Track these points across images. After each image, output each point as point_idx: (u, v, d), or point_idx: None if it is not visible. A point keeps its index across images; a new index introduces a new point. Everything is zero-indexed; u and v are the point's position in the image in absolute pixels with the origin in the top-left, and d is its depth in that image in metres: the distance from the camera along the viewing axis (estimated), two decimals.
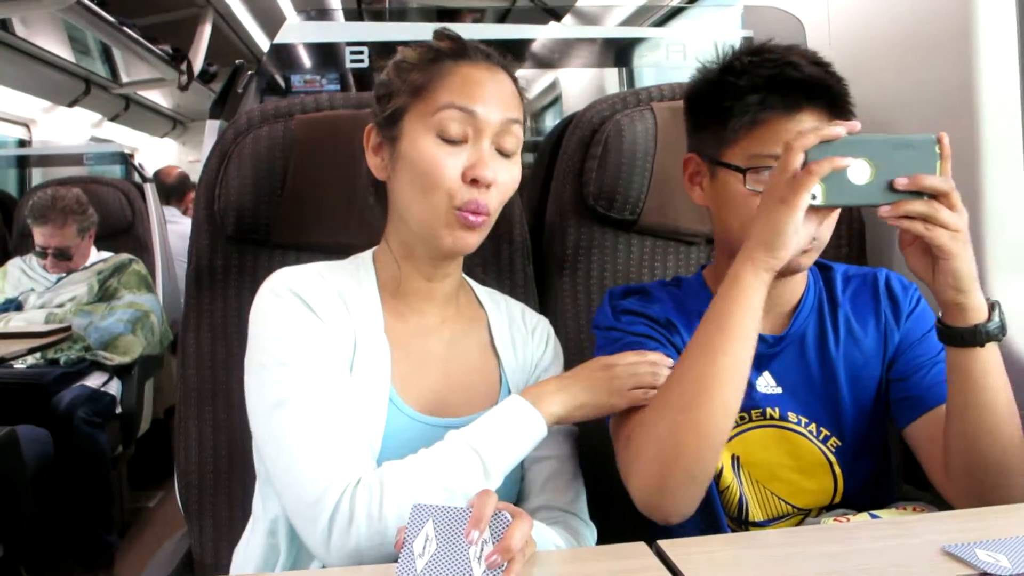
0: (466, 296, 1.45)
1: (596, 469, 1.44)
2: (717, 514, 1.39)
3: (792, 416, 1.39)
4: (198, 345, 1.63)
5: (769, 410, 1.38)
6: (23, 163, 6.18)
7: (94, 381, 3.56)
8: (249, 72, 2.80)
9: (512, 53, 2.61)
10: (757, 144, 1.30)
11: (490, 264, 1.72)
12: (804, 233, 1.16)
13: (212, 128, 2.76)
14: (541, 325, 1.49)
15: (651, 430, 1.20)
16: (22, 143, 6.31)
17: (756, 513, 1.40)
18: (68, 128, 6.67)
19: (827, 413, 1.39)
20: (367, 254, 1.39)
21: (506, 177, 1.27)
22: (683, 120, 1.63)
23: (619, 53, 2.56)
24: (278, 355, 1.20)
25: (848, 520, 1.28)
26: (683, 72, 2.59)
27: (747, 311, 1.16)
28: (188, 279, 1.68)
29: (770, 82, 1.30)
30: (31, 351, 3.19)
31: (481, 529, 0.92)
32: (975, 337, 1.18)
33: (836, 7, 2.05)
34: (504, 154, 1.27)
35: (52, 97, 6.27)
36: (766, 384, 1.40)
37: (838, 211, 1.28)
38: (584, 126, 1.77)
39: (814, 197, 1.13)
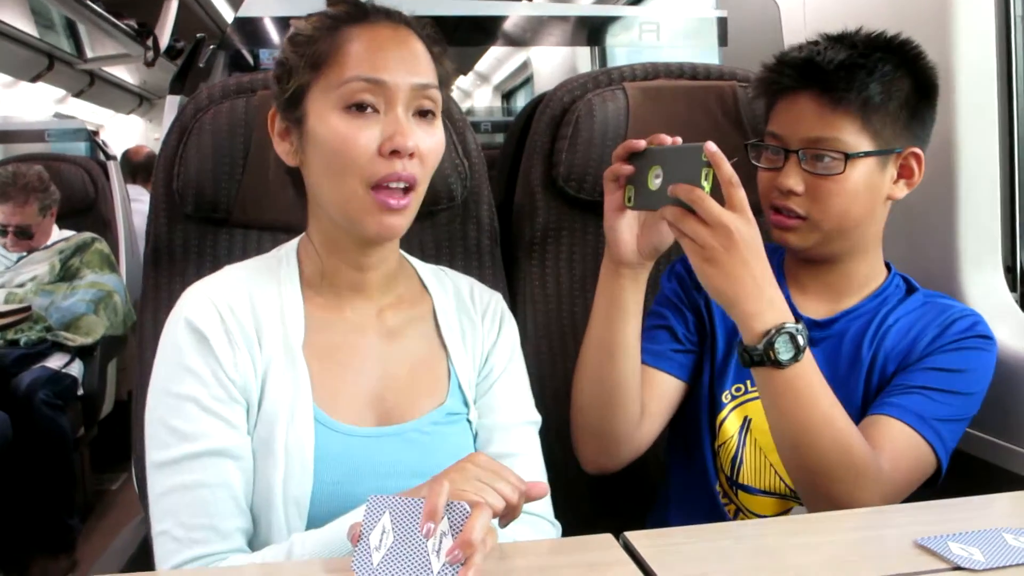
0: (407, 280, 1.34)
1: (562, 460, 1.42)
2: (708, 471, 1.45)
3: None
4: (156, 327, 1.58)
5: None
6: None
7: (55, 362, 3.50)
8: (211, 47, 2.75)
9: (483, 30, 2.58)
10: (768, 122, 1.44)
11: (457, 246, 1.68)
12: (627, 231, 1.29)
13: (172, 104, 2.70)
14: (493, 304, 1.38)
15: (572, 387, 1.42)
16: None
17: (748, 477, 1.43)
18: (31, 104, 6.56)
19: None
20: (291, 245, 1.30)
21: (429, 143, 1.16)
22: (655, 101, 1.63)
23: (592, 32, 2.52)
24: (167, 410, 1.13)
25: None
26: (656, 52, 2.57)
27: (601, 297, 1.34)
28: (146, 259, 1.63)
29: (780, 64, 1.41)
30: None
31: (436, 521, 0.88)
32: (741, 357, 1.24)
33: None
34: (423, 120, 1.17)
35: (13, 72, 6.17)
36: None
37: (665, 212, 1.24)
38: (554, 105, 1.74)
39: (630, 200, 1.28)
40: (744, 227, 1.16)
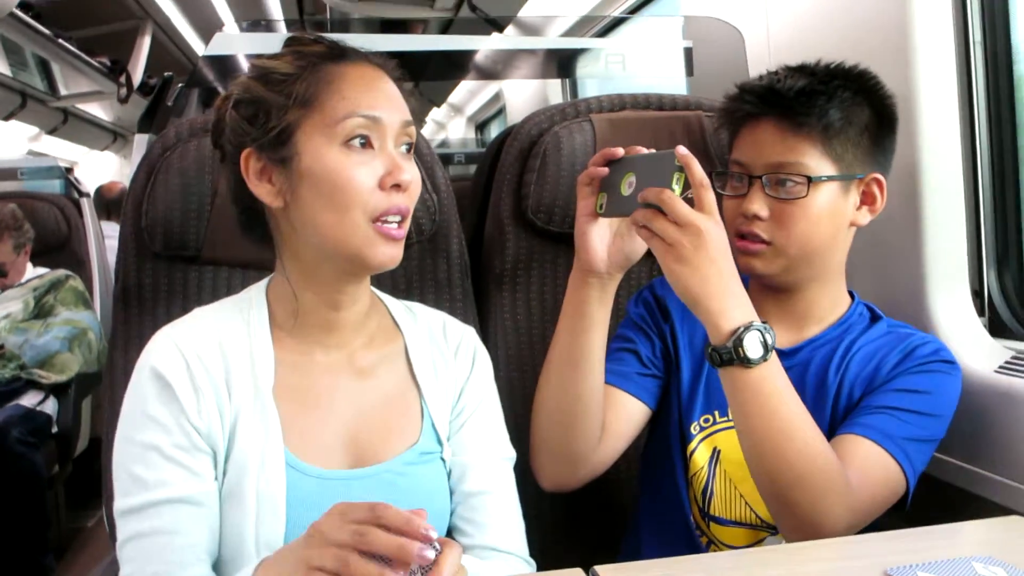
0: (379, 319, 1.31)
1: (535, 494, 1.41)
2: (681, 502, 1.45)
3: None
4: (126, 366, 1.58)
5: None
6: None
7: (29, 400, 3.45)
8: (180, 85, 2.74)
9: (456, 64, 2.59)
10: (731, 150, 1.45)
11: (428, 280, 1.69)
12: (597, 240, 1.30)
13: (141, 143, 2.69)
14: (465, 340, 1.36)
15: (534, 403, 1.41)
16: None
17: (719, 509, 1.42)
18: (4, 142, 6.54)
19: None
20: (259, 287, 1.28)
21: (416, 176, 1.18)
22: (622, 132, 1.64)
23: (561, 64, 2.54)
24: (130, 458, 1.12)
25: None
26: (628, 82, 2.59)
27: (568, 307, 1.35)
28: (115, 298, 1.63)
29: (741, 93, 1.43)
30: None
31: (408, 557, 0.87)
32: (710, 357, 1.24)
33: (776, 18, 2.04)
34: (407, 154, 1.20)
35: None
36: None
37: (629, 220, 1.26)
38: (522, 138, 1.74)
39: (601, 207, 1.29)
40: (713, 227, 1.18)
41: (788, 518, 1.25)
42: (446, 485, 1.26)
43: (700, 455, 1.44)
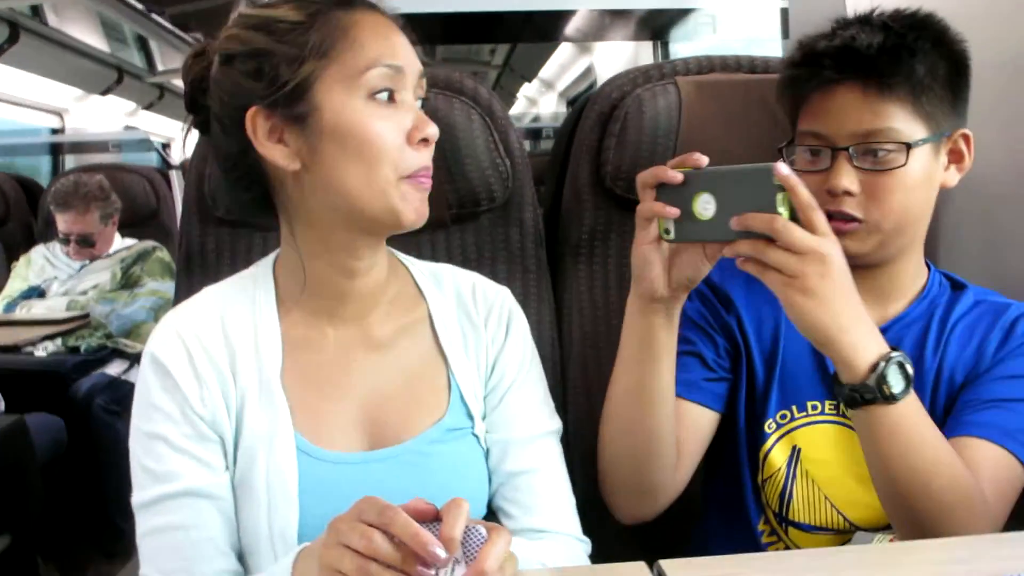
0: (400, 285, 1.22)
1: (591, 475, 1.32)
2: (746, 508, 1.35)
3: None
4: None
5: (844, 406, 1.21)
6: (56, 151, 6.17)
7: (114, 369, 3.53)
8: None
9: (547, 27, 2.51)
10: (801, 121, 1.30)
11: (500, 249, 1.61)
12: (657, 265, 1.15)
13: None
14: (499, 302, 1.25)
15: (599, 438, 1.29)
16: (55, 132, 6.31)
17: (800, 513, 1.30)
18: (102, 116, 6.68)
19: None
20: (267, 262, 1.20)
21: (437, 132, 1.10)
22: (710, 96, 1.53)
23: (651, 27, 2.44)
24: (141, 449, 1.08)
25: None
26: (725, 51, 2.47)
27: (630, 338, 1.22)
28: (179, 265, 1.58)
29: (811, 56, 1.28)
30: (48, 337, 3.18)
31: (452, 550, 0.79)
32: (848, 399, 1.10)
33: None
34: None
35: (84, 86, 6.28)
36: None
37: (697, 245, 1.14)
38: (602, 102, 1.63)
39: (667, 232, 1.13)
40: (836, 251, 1.05)
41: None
42: (482, 462, 1.19)
43: (777, 455, 1.32)
